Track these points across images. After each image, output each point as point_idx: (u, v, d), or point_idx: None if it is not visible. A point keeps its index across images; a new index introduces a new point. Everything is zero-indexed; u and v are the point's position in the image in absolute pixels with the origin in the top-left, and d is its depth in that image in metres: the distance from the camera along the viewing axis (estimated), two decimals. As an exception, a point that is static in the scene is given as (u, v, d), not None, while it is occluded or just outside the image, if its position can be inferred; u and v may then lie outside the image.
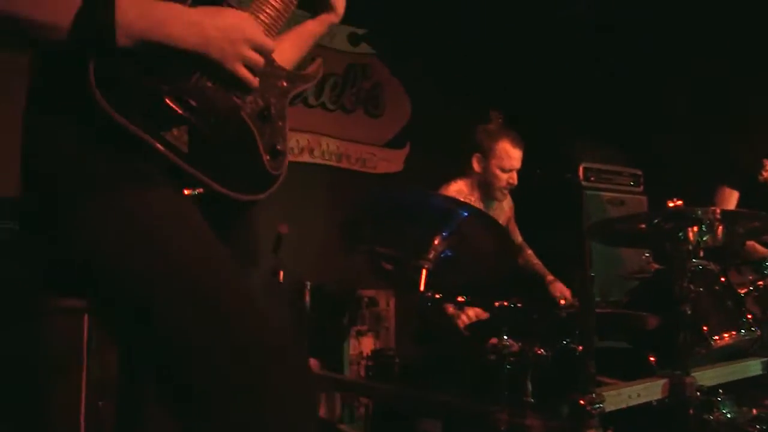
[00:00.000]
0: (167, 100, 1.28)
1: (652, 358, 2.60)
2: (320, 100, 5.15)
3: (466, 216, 2.38)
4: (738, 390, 2.54)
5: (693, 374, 2.29)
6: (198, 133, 1.31)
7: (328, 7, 1.82)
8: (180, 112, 1.29)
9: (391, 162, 5.44)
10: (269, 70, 1.48)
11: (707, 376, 2.42)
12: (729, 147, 3.99)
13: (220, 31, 1.30)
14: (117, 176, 1.23)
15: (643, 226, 2.59)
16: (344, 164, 5.23)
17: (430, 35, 5.31)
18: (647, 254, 3.39)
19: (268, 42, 1.40)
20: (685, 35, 4.77)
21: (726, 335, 2.61)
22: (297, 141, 4.94)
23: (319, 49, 5.71)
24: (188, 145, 1.28)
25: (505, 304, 2.37)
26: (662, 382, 2.29)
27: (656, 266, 3.23)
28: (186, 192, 1.32)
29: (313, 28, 1.85)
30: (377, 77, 5.50)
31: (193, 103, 1.31)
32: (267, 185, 1.45)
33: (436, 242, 2.42)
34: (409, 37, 5.25)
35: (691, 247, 2.45)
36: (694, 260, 2.69)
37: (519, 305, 2.38)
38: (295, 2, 1.56)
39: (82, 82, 1.18)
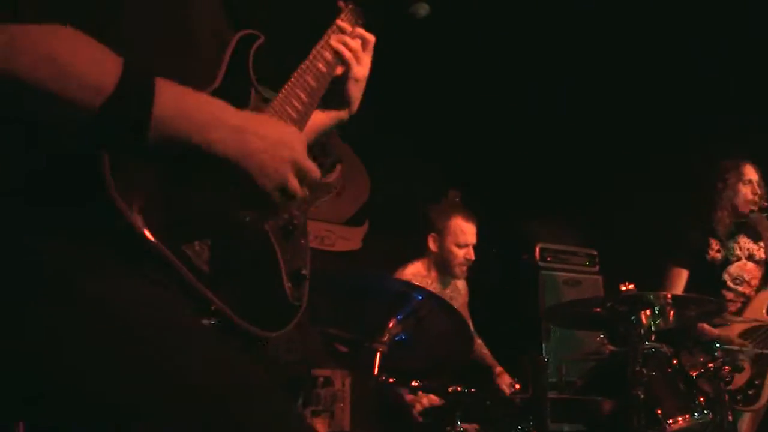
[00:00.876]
0: (191, 207, 1.11)
1: (607, 443, 2.59)
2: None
3: (421, 299, 2.38)
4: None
5: (648, 460, 2.28)
6: (219, 249, 1.12)
7: (343, 103, 1.67)
8: (204, 222, 1.12)
9: (349, 240, 5.44)
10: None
11: (662, 462, 2.42)
12: (679, 226, 4.07)
13: (267, 145, 1.11)
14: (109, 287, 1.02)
15: (598, 309, 2.62)
16: (302, 242, 5.20)
17: (391, 113, 5.39)
18: (602, 335, 3.42)
19: (314, 169, 1.21)
20: (638, 114, 4.91)
21: (680, 419, 2.61)
22: (254, 218, 4.90)
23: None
24: (209, 263, 1.09)
25: (459, 389, 2.36)
26: (617, 467, 2.28)
27: (611, 348, 3.25)
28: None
29: (320, 121, 1.65)
30: (337, 154, 5.53)
31: (220, 210, 1.15)
32: (288, 319, 1.26)
33: (390, 325, 2.42)
34: (368, 114, 5.31)
35: (643, 331, 2.48)
36: (647, 343, 2.72)
37: (473, 390, 2.38)
38: (320, 95, 1.50)
39: (89, 169, 0.99)
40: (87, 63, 0.97)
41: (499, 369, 3.60)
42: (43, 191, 1.02)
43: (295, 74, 1.47)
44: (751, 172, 3.86)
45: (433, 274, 3.58)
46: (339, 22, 1.63)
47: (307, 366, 4.41)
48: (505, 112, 5.36)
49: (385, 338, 2.40)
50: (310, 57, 1.53)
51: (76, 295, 0.99)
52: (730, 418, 2.71)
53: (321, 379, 4.41)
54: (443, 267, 3.56)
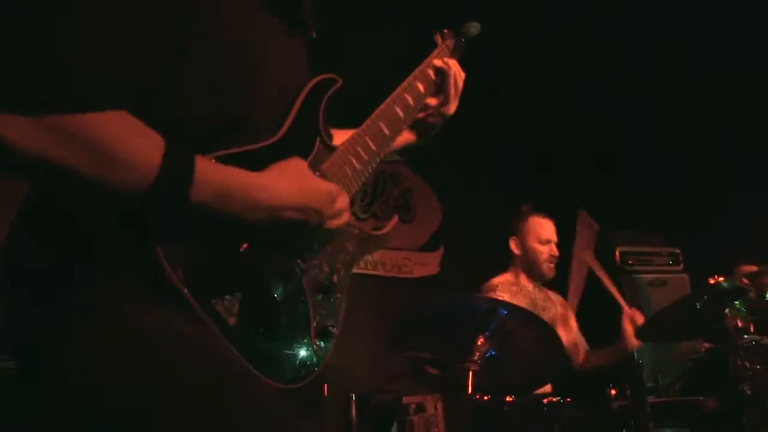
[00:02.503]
0: (227, 264, 1.17)
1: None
2: (351, 210, 5.20)
3: (506, 313, 2.37)
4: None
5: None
6: (249, 303, 1.18)
7: (423, 134, 1.78)
8: (238, 278, 1.18)
9: (426, 265, 5.44)
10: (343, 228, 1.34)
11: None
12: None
13: (298, 212, 1.20)
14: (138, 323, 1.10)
15: (689, 310, 2.53)
16: (381, 271, 5.24)
17: (456, 136, 5.40)
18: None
19: (340, 225, 1.29)
20: (716, 110, 4.80)
21: (789, 412, 2.49)
22: (331, 253, 4.97)
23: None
24: (237, 316, 1.16)
25: (554, 400, 2.33)
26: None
27: (707, 345, 3.15)
28: None
29: (410, 140, 1.78)
30: (407, 183, 5.59)
31: (254, 268, 1.20)
32: (309, 373, 1.28)
33: (479, 343, 2.41)
34: (434, 140, 5.34)
35: (740, 322, 2.40)
36: (746, 336, 2.62)
37: (569, 400, 2.34)
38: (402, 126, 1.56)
39: (137, 239, 1.08)
40: (129, 152, 1.05)
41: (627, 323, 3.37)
42: (96, 248, 1.11)
43: (370, 119, 1.51)
44: None
45: (522, 280, 3.55)
46: (435, 60, 1.68)
47: (398, 394, 4.41)
48: (572, 116, 5.31)
49: (476, 357, 2.39)
50: (397, 92, 1.57)
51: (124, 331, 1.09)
52: None
53: (413, 406, 4.40)
54: (530, 269, 3.55)
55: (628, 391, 2.32)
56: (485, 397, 2.49)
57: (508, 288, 3.46)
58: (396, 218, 1.60)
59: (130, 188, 1.04)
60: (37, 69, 1.00)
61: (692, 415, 2.61)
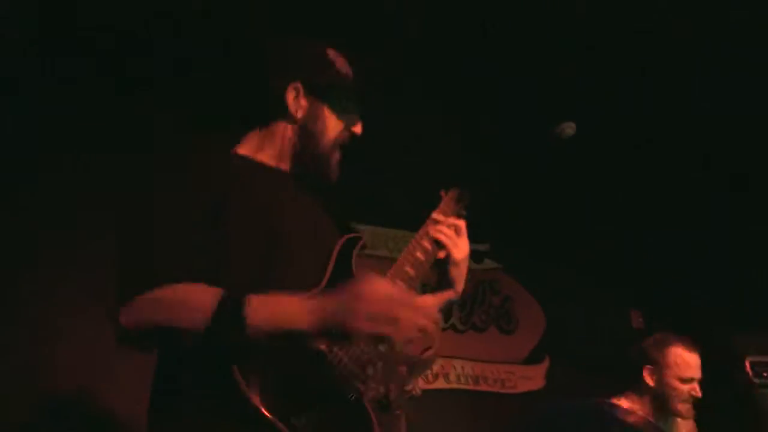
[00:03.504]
0: (299, 387, 1.42)
1: None
2: (450, 321, 5.03)
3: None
4: None
5: None
6: (322, 421, 1.41)
7: (448, 285, 1.90)
8: (309, 398, 1.42)
9: (531, 379, 5.11)
10: (391, 354, 1.57)
11: None
12: None
13: (339, 303, 1.41)
14: None
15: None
16: (482, 387, 4.95)
17: (557, 241, 5.22)
18: None
19: (398, 293, 1.47)
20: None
21: None
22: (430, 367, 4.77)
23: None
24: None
25: None
26: None
27: None
28: None
29: (432, 302, 1.88)
30: (506, 291, 5.36)
31: (321, 389, 1.44)
32: None
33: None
34: (533, 246, 5.18)
35: None
36: None
37: None
38: (418, 280, 1.76)
39: (220, 369, 1.38)
40: (195, 302, 1.43)
41: None
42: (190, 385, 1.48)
43: (390, 271, 1.73)
44: None
45: (648, 411, 3.15)
46: (434, 215, 1.93)
47: None
48: (677, 221, 5.05)
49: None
50: (408, 248, 1.81)
51: None
52: None
53: None
54: (662, 404, 3.15)
55: None
56: None
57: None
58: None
59: (199, 325, 1.39)
60: (127, 272, 1.49)
61: None
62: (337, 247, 1.69)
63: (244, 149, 1.81)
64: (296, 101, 1.76)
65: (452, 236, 1.89)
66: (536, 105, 4.24)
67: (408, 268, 1.75)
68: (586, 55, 3.79)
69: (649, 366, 3.18)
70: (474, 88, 4.11)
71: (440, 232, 1.87)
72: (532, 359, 5.19)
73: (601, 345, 4.54)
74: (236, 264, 1.54)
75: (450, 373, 4.85)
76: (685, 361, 3.13)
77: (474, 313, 5.18)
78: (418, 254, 1.79)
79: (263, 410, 1.33)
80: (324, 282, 1.58)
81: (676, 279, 5.11)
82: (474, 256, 5.56)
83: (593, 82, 4.00)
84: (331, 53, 1.83)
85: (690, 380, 3.12)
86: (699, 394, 3.12)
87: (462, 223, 1.93)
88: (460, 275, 1.91)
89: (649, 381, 3.16)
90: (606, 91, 4.08)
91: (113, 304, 1.45)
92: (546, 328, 5.31)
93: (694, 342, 3.22)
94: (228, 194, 1.59)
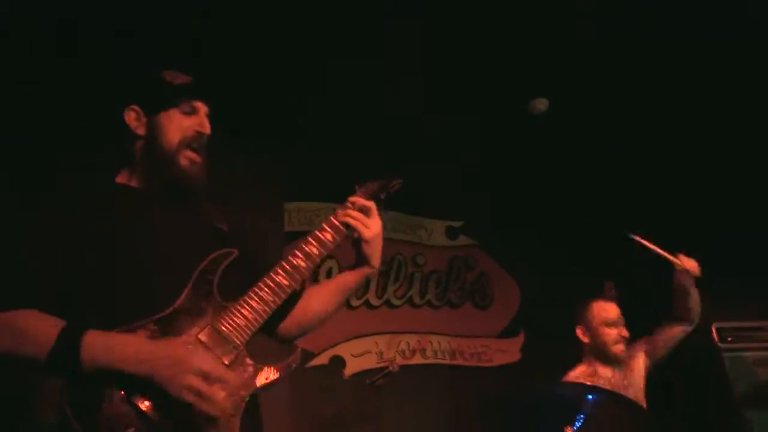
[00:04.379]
0: (119, 406, 1.55)
1: None
2: (426, 298, 5.13)
3: (593, 399, 2.22)
4: None
5: None
6: None
7: (363, 261, 2.07)
8: (129, 418, 1.55)
9: (506, 353, 5.25)
10: (235, 367, 1.70)
11: None
12: None
13: (167, 365, 1.57)
14: None
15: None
16: (459, 361, 5.07)
17: (531, 217, 5.32)
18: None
19: (213, 370, 1.62)
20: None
21: None
22: (407, 343, 4.86)
23: (419, 247, 5.78)
24: None
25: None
26: None
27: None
28: None
29: (350, 279, 2.12)
30: (481, 267, 5.47)
31: (147, 410, 1.56)
32: None
33: (567, 433, 2.25)
34: (507, 222, 5.28)
35: None
36: None
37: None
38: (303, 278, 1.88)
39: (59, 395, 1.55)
40: (35, 333, 1.58)
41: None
42: None
43: (267, 276, 1.82)
44: None
45: (599, 369, 3.40)
46: (351, 197, 2.05)
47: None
48: (658, 186, 5.18)
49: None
50: (290, 258, 1.88)
51: None
52: None
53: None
54: (603, 355, 3.42)
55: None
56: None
57: (587, 379, 3.33)
58: (299, 351, 1.86)
59: (39, 356, 1.55)
60: None
61: None
62: (204, 263, 1.78)
63: (121, 179, 1.93)
64: (138, 123, 1.89)
65: (360, 218, 2.01)
66: (510, 83, 4.33)
67: (282, 279, 1.83)
68: (559, 31, 3.85)
69: (580, 326, 3.50)
70: (445, 65, 4.17)
71: (348, 215, 1.99)
72: (507, 333, 5.32)
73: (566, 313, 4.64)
74: (89, 289, 1.68)
75: (427, 349, 4.96)
76: (605, 309, 3.49)
77: (449, 289, 5.29)
78: (300, 262, 1.88)
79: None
80: (177, 304, 1.69)
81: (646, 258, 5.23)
82: (449, 232, 5.67)
83: (565, 59, 4.07)
84: (163, 72, 1.95)
85: (614, 323, 3.44)
86: (627, 333, 3.43)
87: (371, 204, 2.05)
88: (373, 252, 2.05)
89: (584, 338, 3.48)
90: (578, 67, 4.16)
91: None
92: (521, 303, 5.45)
93: (613, 294, 3.61)
94: (94, 221, 1.74)
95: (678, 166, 5.00)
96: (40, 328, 1.58)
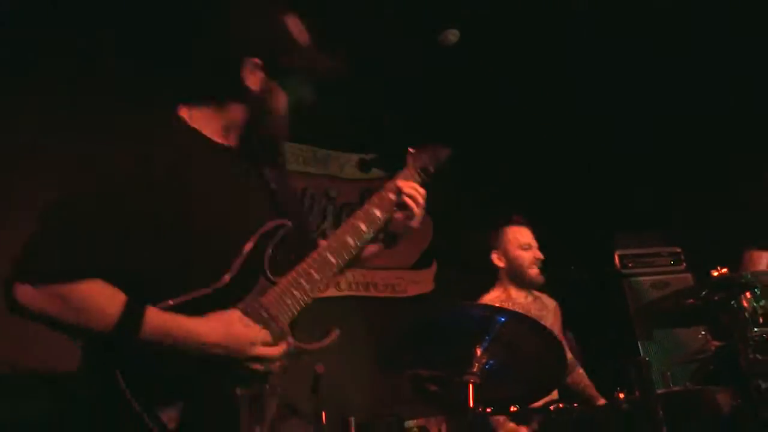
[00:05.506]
0: (174, 386, 1.58)
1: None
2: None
3: (504, 320, 2.31)
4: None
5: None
6: (190, 413, 1.57)
7: (389, 243, 2.08)
8: (177, 396, 1.57)
9: (420, 283, 5.40)
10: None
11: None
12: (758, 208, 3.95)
13: (224, 349, 1.59)
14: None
15: (692, 301, 2.49)
16: (373, 292, 5.18)
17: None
18: (704, 332, 3.26)
19: (269, 352, 1.64)
20: (710, 108, 4.82)
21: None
22: (321, 276, 4.93)
23: (330, 180, 5.78)
24: (177, 422, 1.55)
25: (561, 405, 2.26)
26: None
27: (716, 343, 3.09)
28: None
29: (372, 250, 2.12)
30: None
31: (193, 389, 1.59)
32: None
33: (478, 354, 2.34)
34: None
35: (748, 315, 2.34)
36: (756, 329, 2.57)
37: (576, 405, 2.27)
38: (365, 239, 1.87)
39: (110, 361, 1.55)
40: (101, 307, 1.56)
41: (601, 401, 3.43)
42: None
43: (317, 252, 1.79)
44: None
45: (513, 293, 3.53)
46: (399, 181, 2.01)
47: (399, 417, 4.32)
48: (566, 119, 5.32)
49: (475, 369, 2.32)
50: (350, 221, 1.87)
51: None
52: None
53: (416, 430, 4.32)
54: (518, 278, 3.54)
55: (637, 391, 2.25)
56: (488, 410, 2.42)
57: (499, 304, 3.40)
58: (336, 334, 1.89)
59: (102, 330, 1.54)
60: (39, 254, 1.55)
61: (706, 411, 2.55)
62: (256, 236, 1.72)
63: (191, 119, 1.79)
64: (252, 76, 1.76)
65: (422, 205, 1.99)
66: (421, 15, 4.34)
67: (348, 238, 1.83)
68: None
69: (494, 251, 3.58)
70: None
71: (414, 199, 1.96)
72: (420, 264, 5.46)
73: (485, 248, 4.78)
74: (159, 235, 1.63)
75: (341, 282, 5.04)
76: (519, 233, 3.58)
77: (363, 222, 5.34)
78: (348, 238, 1.83)
79: (132, 401, 1.52)
80: (229, 278, 1.66)
81: (565, 186, 5.42)
82: (362, 165, 5.69)
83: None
84: (295, 30, 1.83)
85: (528, 246, 3.54)
86: (541, 256, 3.54)
87: (423, 192, 2.01)
88: (402, 239, 2.06)
89: (499, 263, 3.57)
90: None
91: (13, 274, 1.52)
92: (434, 235, 5.57)
93: (523, 218, 3.68)
94: (171, 168, 1.64)
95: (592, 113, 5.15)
96: (105, 305, 1.56)
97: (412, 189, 1.97)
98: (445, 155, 2.21)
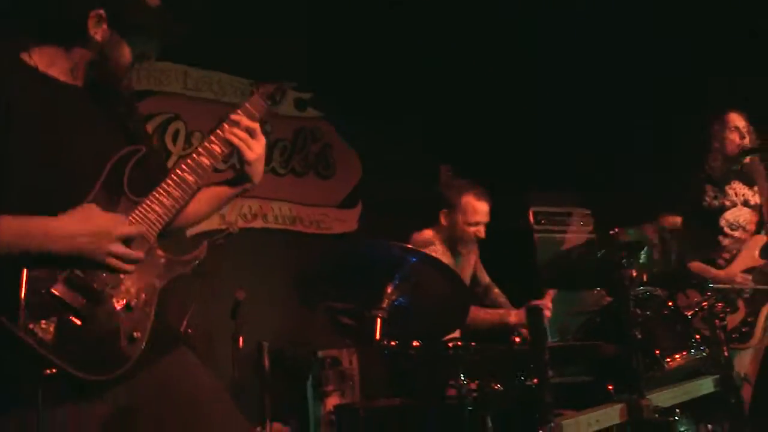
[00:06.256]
0: (41, 296, 1.59)
1: (610, 387, 2.69)
2: (270, 165, 5.26)
3: (415, 261, 2.46)
4: (694, 408, 2.64)
5: (649, 397, 2.38)
6: (66, 324, 1.61)
7: (243, 180, 2.10)
8: (52, 307, 1.60)
9: (345, 222, 5.55)
10: (147, 260, 1.78)
11: (663, 398, 2.52)
12: (671, 176, 4.21)
13: (88, 236, 1.65)
14: None
15: (589, 256, 2.70)
16: (298, 227, 5.32)
17: (375, 93, 5.47)
18: (599, 289, 3.51)
19: (132, 230, 1.73)
20: (625, 68, 5.01)
21: (677, 356, 2.73)
22: (249, 207, 5.03)
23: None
24: (53, 334, 1.59)
25: (459, 344, 2.45)
26: (619, 407, 2.38)
27: (609, 299, 3.36)
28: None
29: (229, 192, 2.14)
30: (326, 139, 5.65)
31: (67, 298, 1.62)
32: (118, 366, 1.70)
33: (389, 291, 2.49)
34: (354, 96, 5.41)
35: (634, 272, 2.57)
36: (641, 288, 2.82)
37: (473, 344, 2.47)
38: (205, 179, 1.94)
39: None
40: None
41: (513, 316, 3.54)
42: None
43: (170, 176, 1.87)
44: (736, 120, 4.00)
45: (443, 245, 3.64)
46: (233, 115, 2.02)
47: (313, 347, 4.52)
48: (492, 80, 5.45)
49: (384, 304, 2.48)
50: (193, 155, 1.93)
51: None
52: (725, 353, 2.80)
53: (328, 360, 4.53)
54: (451, 242, 3.64)
55: (529, 337, 2.47)
56: (392, 343, 2.60)
57: (431, 249, 3.52)
58: (206, 245, 1.94)
59: None
60: None
61: (590, 360, 2.80)
62: (113, 159, 1.81)
63: (34, 60, 1.86)
64: (97, 27, 1.84)
65: (246, 139, 2.01)
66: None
67: (188, 176, 1.90)
68: None
69: (444, 209, 3.65)
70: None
71: (234, 134, 1.99)
72: (346, 203, 5.62)
73: (410, 192, 4.96)
74: (14, 170, 1.69)
75: (268, 214, 5.15)
76: (474, 208, 3.60)
77: (293, 158, 5.45)
78: (203, 159, 1.93)
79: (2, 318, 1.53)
80: (92, 195, 1.73)
81: (487, 140, 5.57)
82: (297, 104, 5.73)
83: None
84: None
85: (476, 224, 3.61)
86: (482, 235, 3.64)
87: (256, 126, 2.05)
88: (255, 171, 2.08)
89: (444, 221, 3.66)
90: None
91: None
92: (362, 176, 5.72)
93: (486, 192, 3.68)
94: (11, 103, 1.71)
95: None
96: None
97: (231, 135, 2.01)
98: (290, 87, 2.22)
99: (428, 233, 3.67)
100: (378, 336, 2.43)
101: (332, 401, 4.29)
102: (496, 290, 3.93)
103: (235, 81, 5.10)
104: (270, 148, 5.23)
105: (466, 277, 3.78)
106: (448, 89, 5.53)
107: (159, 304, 1.81)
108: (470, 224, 3.59)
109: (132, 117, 2.02)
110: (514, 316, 3.46)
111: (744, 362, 3.59)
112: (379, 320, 2.44)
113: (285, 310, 4.56)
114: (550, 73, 5.26)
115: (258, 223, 5.08)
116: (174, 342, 1.94)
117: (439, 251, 3.55)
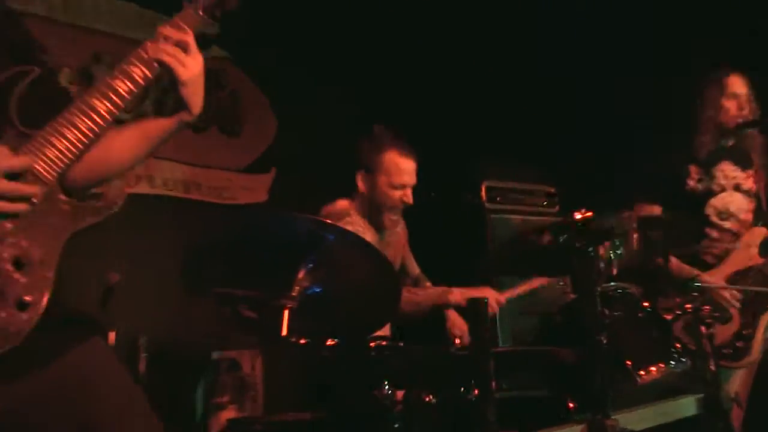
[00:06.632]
0: None
1: (570, 404, 2.70)
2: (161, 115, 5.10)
3: (334, 239, 2.41)
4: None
5: (616, 417, 2.39)
6: None
7: (180, 106, 2.05)
8: None
9: (252, 191, 5.43)
10: (45, 206, 1.74)
11: (633, 419, 2.54)
12: (651, 158, 4.23)
13: None
14: None
15: (550, 242, 2.69)
16: (194, 195, 5.18)
17: (298, 33, 5.38)
18: (563, 283, 3.52)
19: (17, 163, 1.70)
20: (595, 30, 5.07)
21: (653, 369, 2.74)
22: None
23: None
24: None
25: (384, 343, 2.42)
26: (579, 429, 2.39)
27: (573, 296, 3.37)
28: None
29: (163, 125, 2.08)
30: (234, 85, 5.52)
31: None
32: (7, 341, 1.66)
33: (300, 276, 2.44)
34: (271, 36, 5.31)
35: (603, 265, 2.57)
36: (612, 283, 2.83)
37: (401, 344, 2.44)
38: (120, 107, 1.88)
39: None
40: None
41: (456, 293, 3.54)
42: None
43: (75, 104, 1.84)
44: (737, 85, 3.98)
45: (363, 218, 3.57)
46: (162, 29, 1.99)
47: (207, 348, 4.43)
48: (439, 32, 5.44)
49: (295, 292, 2.43)
50: (107, 79, 1.90)
51: None
52: (712, 367, 2.81)
53: (225, 364, 4.45)
54: (373, 212, 3.57)
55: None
56: (302, 341, 2.55)
57: (345, 220, 3.48)
58: (121, 183, 1.98)
59: None
60: None
61: (547, 371, 2.80)
62: None
63: None
64: None
65: (176, 54, 1.97)
66: None
67: (98, 103, 1.85)
68: None
69: (361, 171, 3.57)
70: None
71: (161, 51, 1.94)
72: (256, 168, 5.51)
73: (331, 155, 4.86)
74: None
75: (156, 177, 4.99)
76: (398, 167, 3.51)
77: (192, 108, 5.29)
78: (119, 84, 1.88)
79: None
80: None
81: (430, 98, 5.56)
82: (201, 42, 5.60)
83: None
84: None
85: (401, 186, 3.52)
86: (410, 200, 3.57)
87: (190, 39, 2.01)
88: (193, 94, 2.04)
89: (362, 186, 3.58)
90: None
91: None
92: (276, 134, 5.62)
93: (411, 147, 3.61)
94: None
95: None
96: None
97: (159, 52, 1.97)
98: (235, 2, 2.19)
99: (343, 203, 3.61)
100: (284, 332, 2.39)
101: (227, 416, 4.23)
102: (428, 284, 3.91)
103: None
104: (161, 92, 5.05)
105: (395, 259, 3.72)
106: (388, 30, 5.49)
107: (64, 268, 1.75)
108: (394, 186, 3.51)
109: (17, 30, 1.97)
110: (458, 293, 3.45)
111: (735, 381, 3.61)
112: (287, 312, 2.40)
113: (171, 299, 4.45)
114: (513, 17, 5.27)
115: (142, 188, 4.91)
116: (85, 326, 1.90)
117: (358, 225, 3.49)
